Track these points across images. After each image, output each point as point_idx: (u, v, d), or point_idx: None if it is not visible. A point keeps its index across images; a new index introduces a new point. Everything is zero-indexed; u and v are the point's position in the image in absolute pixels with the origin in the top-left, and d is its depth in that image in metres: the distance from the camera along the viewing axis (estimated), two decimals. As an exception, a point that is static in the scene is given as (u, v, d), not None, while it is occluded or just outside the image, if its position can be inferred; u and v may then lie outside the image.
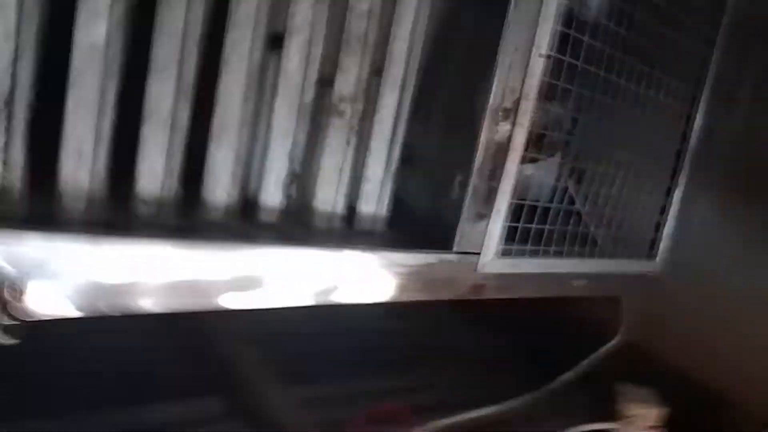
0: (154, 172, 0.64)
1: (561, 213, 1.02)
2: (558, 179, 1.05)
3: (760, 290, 1.11)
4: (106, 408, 0.75)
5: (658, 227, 1.20)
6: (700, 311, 1.19)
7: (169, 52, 0.62)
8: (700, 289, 1.19)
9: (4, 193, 0.57)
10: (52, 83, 0.57)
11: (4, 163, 0.56)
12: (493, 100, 0.82)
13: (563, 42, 0.87)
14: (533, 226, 0.94)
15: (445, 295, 0.87)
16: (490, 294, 0.92)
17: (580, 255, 1.06)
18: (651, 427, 0.93)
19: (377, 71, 0.79)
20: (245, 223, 0.73)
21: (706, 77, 1.15)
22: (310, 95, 0.74)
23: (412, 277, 0.80)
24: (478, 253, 0.88)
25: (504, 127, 0.84)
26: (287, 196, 0.76)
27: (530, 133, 0.89)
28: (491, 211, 0.87)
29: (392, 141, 0.83)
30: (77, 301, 0.57)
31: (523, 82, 0.84)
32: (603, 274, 1.12)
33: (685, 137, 1.17)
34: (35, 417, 0.72)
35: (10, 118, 0.55)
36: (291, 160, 0.74)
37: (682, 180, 1.19)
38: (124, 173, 0.63)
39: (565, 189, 1.06)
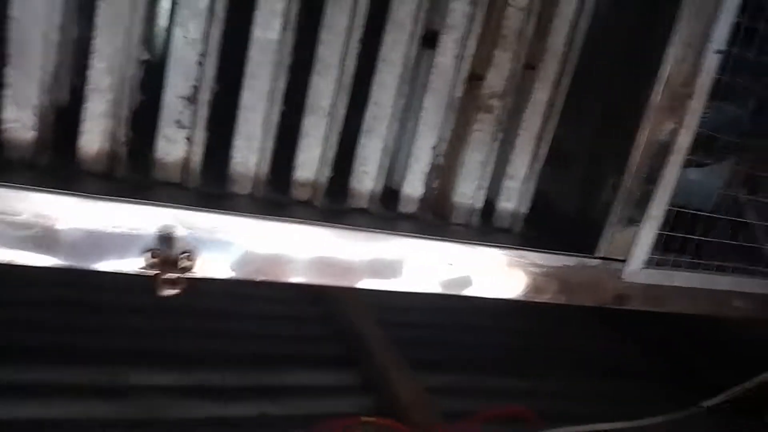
0: (311, 161, 0.70)
1: (727, 224, 0.93)
2: (728, 186, 0.95)
3: None
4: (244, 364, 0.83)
5: None
6: None
7: (334, 51, 0.67)
8: None
9: (186, 170, 0.65)
10: (230, 77, 0.64)
11: (188, 141, 0.64)
12: (656, 97, 0.76)
13: (742, 34, 0.78)
14: (692, 236, 0.87)
15: (584, 301, 0.84)
16: (635, 305, 0.87)
17: (747, 272, 0.96)
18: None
19: (530, 66, 0.78)
20: (388, 212, 0.76)
21: None
22: (460, 90, 0.75)
23: (548, 279, 0.79)
24: (624, 261, 0.84)
25: (667, 127, 0.78)
26: (430, 188, 0.78)
27: (698, 135, 0.82)
28: (644, 216, 0.82)
29: (540, 138, 0.81)
30: (237, 267, 0.64)
31: (694, 79, 0.77)
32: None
33: None
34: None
35: (194, 112, 0.63)
36: (436, 153, 0.76)
37: None
38: (286, 159, 0.70)
39: (735, 198, 0.96)
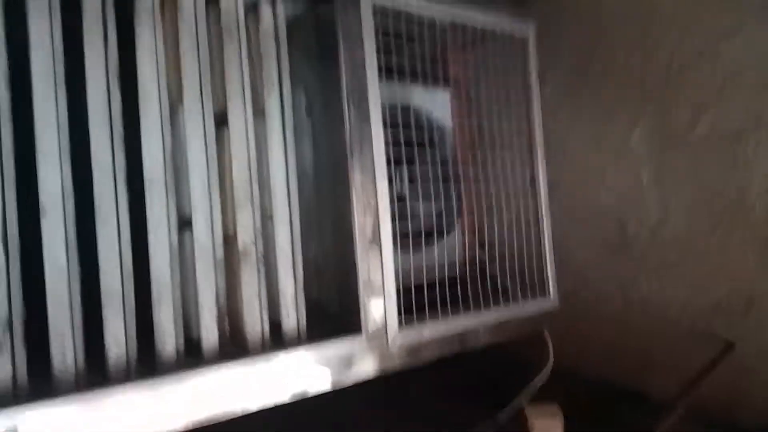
0: (118, 340, 0.88)
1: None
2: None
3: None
4: None
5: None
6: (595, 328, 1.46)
7: (110, 251, 0.88)
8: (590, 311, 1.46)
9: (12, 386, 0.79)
10: (35, 299, 0.82)
11: (13, 365, 0.79)
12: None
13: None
14: (422, 301, 1.20)
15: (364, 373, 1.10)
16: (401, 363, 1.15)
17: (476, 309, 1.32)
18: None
19: (267, 216, 1.07)
20: (193, 359, 0.96)
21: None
22: (220, 252, 1.00)
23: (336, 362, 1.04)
24: (385, 330, 1.13)
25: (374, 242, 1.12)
26: (222, 329, 1.00)
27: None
28: (384, 298, 1.13)
29: (294, 264, 1.09)
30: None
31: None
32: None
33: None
34: None
35: (12, 335, 0.80)
36: (218, 301, 0.99)
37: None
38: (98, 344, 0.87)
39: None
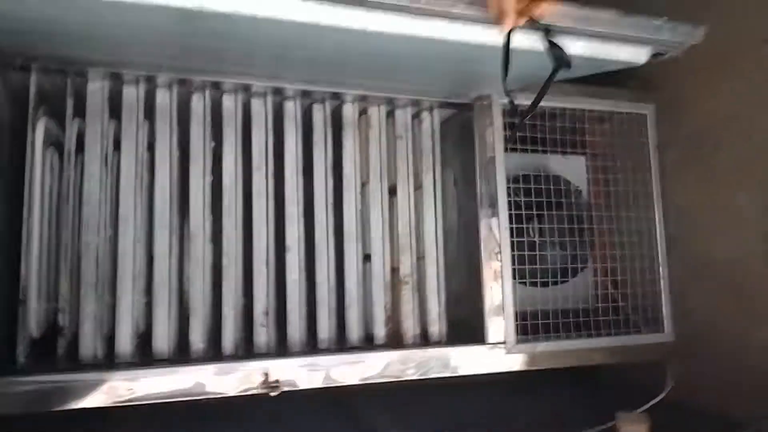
0: (324, 329, 1.45)
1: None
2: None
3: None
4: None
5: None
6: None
7: (321, 274, 1.47)
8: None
9: (267, 347, 1.41)
10: (281, 300, 1.44)
11: (268, 336, 1.41)
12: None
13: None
14: (536, 321, 1.58)
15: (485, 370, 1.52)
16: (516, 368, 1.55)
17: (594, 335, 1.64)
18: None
19: (421, 257, 1.57)
20: (368, 344, 1.50)
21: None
22: (388, 277, 1.53)
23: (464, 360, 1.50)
24: (504, 342, 1.54)
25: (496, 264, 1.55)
26: (387, 330, 1.52)
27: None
28: (504, 317, 1.55)
29: (438, 290, 1.57)
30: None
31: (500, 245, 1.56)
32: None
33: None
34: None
35: (268, 320, 1.42)
36: (386, 311, 1.52)
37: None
38: (312, 329, 1.45)
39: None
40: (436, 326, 1.57)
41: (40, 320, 1.25)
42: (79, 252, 1.30)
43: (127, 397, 1.20)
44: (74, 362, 1.25)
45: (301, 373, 1.33)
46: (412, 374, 1.44)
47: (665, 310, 1.71)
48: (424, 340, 1.55)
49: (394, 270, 1.56)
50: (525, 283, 1.68)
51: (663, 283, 1.72)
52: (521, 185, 1.70)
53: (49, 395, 1.16)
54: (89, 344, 1.27)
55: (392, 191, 1.58)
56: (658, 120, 1.78)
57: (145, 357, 1.30)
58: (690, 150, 1.74)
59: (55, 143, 1.31)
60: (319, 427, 1.58)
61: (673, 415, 1.61)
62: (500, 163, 1.59)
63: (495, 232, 1.56)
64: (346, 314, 1.49)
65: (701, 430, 1.61)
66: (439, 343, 1.55)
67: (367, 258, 1.54)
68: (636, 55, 1.24)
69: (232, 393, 1.27)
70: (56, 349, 1.25)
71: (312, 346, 1.44)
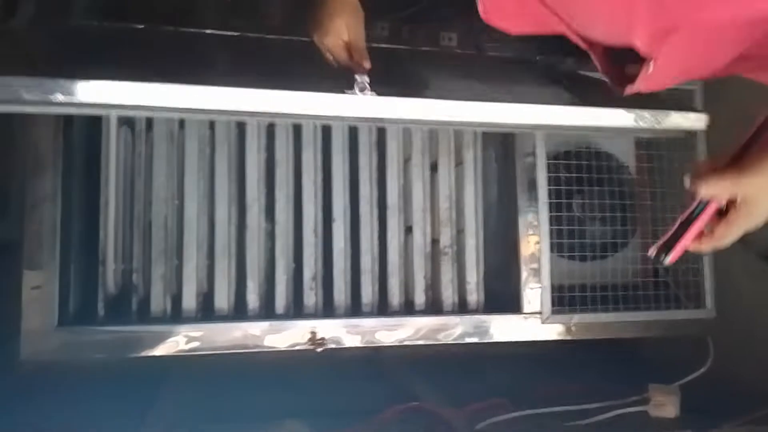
0: (368, 294, 1.56)
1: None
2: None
3: None
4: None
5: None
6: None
7: (366, 244, 1.58)
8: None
9: (315, 308, 1.53)
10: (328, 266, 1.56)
11: (317, 299, 1.53)
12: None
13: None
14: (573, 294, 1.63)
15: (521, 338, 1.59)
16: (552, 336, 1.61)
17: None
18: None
19: (461, 230, 1.65)
20: (409, 309, 1.60)
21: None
22: (429, 248, 1.62)
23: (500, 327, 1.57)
24: (540, 312, 1.61)
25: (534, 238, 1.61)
26: (426, 297, 1.61)
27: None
28: (541, 288, 1.61)
29: (477, 262, 1.65)
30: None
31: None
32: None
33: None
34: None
35: (317, 286, 1.54)
36: (425, 279, 1.61)
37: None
38: (356, 297, 1.57)
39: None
40: (474, 296, 1.65)
41: (116, 279, 1.42)
42: (150, 220, 1.46)
43: (190, 347, 1.35)
44: (145, 317, 1.42)
45: (345, 332, 1.45)
46: (448, 338, 1.54)
47: (707, 285, 1.72)
48: (462, 308, 1.64)
49: (435, 242, 1.64)
50: (565, 257, 1.73)
51: (706, 259, 1.73)
52: (562, 161, 1.74)
53: (124, 344, 1.34)
54: (159, 301, 1.44)
55: (434, 167, 1.66)
56: (705, 99, 1.77)
57: (206, 313, 1.46)
58: (736, 129, 1.72)
59: (128, 122, 1.47)
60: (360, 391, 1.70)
61: (711, 391, 1.63)
62: (540, 138, 1.64)
63: (533, 207, 1.61)
64: (387, 282, 1.59)
65: (739, 407, 1.63)
66: (476, 311, 1.63)
67: (408, 230, 1.63)
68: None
69: (282, 347, 1.41)
70: (130, 305, 1.42)
71: (355, 310, 1.56)
